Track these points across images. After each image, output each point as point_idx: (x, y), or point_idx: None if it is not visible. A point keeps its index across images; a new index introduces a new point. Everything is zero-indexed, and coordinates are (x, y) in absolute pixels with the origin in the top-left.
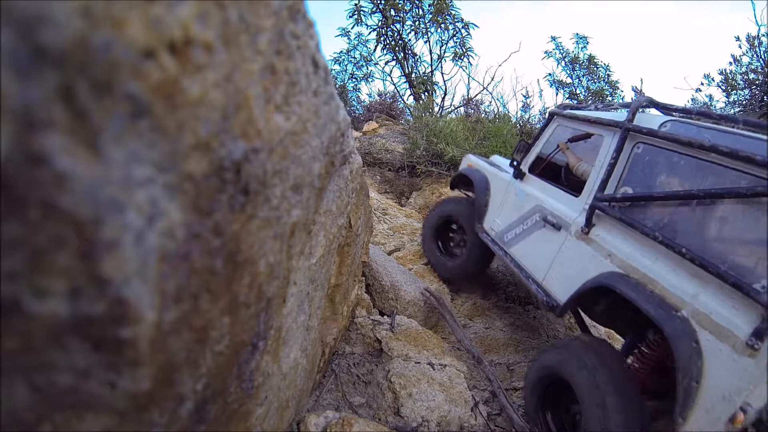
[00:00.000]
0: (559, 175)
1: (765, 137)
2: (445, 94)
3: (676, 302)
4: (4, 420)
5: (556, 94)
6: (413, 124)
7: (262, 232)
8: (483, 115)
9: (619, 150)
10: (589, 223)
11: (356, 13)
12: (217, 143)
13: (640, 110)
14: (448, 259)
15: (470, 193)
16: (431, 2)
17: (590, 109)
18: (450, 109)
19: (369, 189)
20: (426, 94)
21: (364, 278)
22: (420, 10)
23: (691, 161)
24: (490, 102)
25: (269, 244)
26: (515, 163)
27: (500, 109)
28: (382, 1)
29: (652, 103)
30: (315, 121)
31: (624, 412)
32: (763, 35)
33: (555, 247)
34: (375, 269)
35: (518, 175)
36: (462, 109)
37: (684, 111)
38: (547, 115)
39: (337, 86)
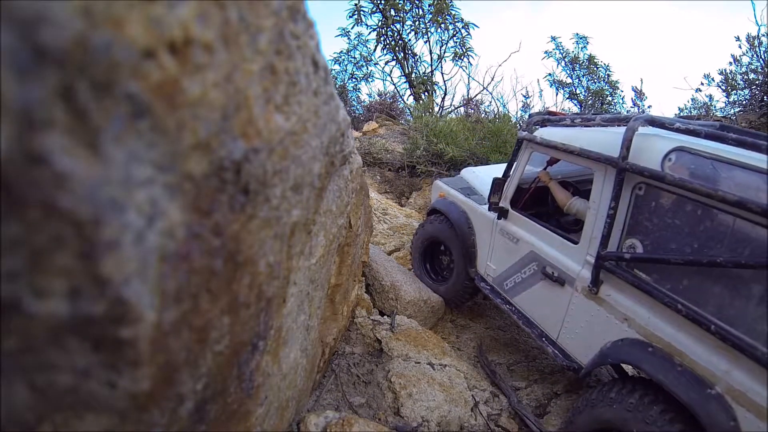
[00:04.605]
0: (545, 203)
1: None
2: (445, 94)
3: (708, 376)
4: (4, 420)
5: (556, 94)
6: (413, 124)
7: (262, 232)
8: (483, 115)
9: (617, 195)
10: (596, 282)
11: (356, 13)
12: (217, 143)
13: (636, 133)
14: (438, 285)
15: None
16: (431, 2)
17: (567, 123)
18: (450, 109)
19: (369, 189)
20: (426, 94)
21: (364, 278)
22: (420, 10)
23: (708, 209)
24: (490, 102)
25: (269, 244)
26: (494, 204)
27: (500, 109)
28: (382, 1)
29: (650, 122)
30: (315, 121)
31: None
32: (763, 35)
33: (563, 304)
34: (375, 269)
35: (501, 215)
36: (462, 109)
37: (692, 133)
38: (516, 140)
39: (337, 86)
